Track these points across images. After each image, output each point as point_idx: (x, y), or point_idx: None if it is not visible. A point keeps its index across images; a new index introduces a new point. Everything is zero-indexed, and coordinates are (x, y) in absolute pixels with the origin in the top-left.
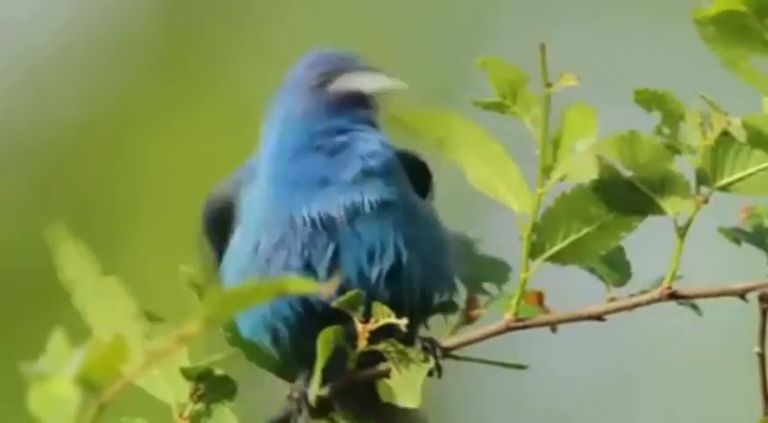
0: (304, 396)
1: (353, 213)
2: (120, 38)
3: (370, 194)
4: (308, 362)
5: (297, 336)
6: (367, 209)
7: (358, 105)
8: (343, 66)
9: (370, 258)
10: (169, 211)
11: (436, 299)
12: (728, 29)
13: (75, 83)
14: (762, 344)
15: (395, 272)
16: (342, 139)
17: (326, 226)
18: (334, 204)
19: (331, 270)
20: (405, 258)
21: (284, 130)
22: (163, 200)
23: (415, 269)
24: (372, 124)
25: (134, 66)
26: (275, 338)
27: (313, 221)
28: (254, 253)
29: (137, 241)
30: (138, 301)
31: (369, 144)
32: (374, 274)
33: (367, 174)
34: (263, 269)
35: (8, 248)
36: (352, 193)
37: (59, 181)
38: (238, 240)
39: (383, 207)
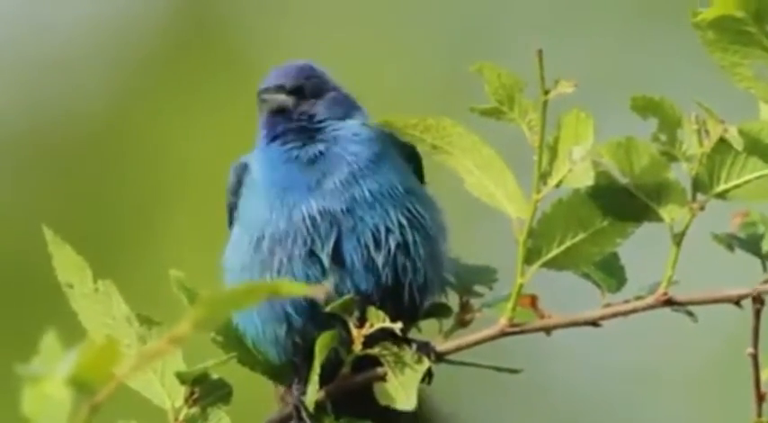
0: (300, 401)
1: (353, 203)
2: (142, 31)
3: (367, 184)
4: (306, 361)
5: (308, 326)
6: (368, 197)
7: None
8: (263, 87)
9: (376, 240)
10: (196, 201)
11: (435, 289)
12: (727, 34)
13: (99, 77)
14: (755, 345)
15: (401, 252)
16: (317, 147)
17: (328, 216)
18: (331, 201)
19: (335, 257)
20: (410, 238)
21: (260, 143)
22: (189, 191)
23: (421, 249)
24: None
25: (157, 60)
26: (288, 328)
27: (312, 217)
28: (257, 245)
29: (163, 232)
30: (138, 305)
31: (342, 134)
32: (381, 257)
33: (357, 165)
34: (266, 260)
35: (21, 246)
36: (348, 187)
37: (82, 175)
38: (239, 234)
39: (383, 191)
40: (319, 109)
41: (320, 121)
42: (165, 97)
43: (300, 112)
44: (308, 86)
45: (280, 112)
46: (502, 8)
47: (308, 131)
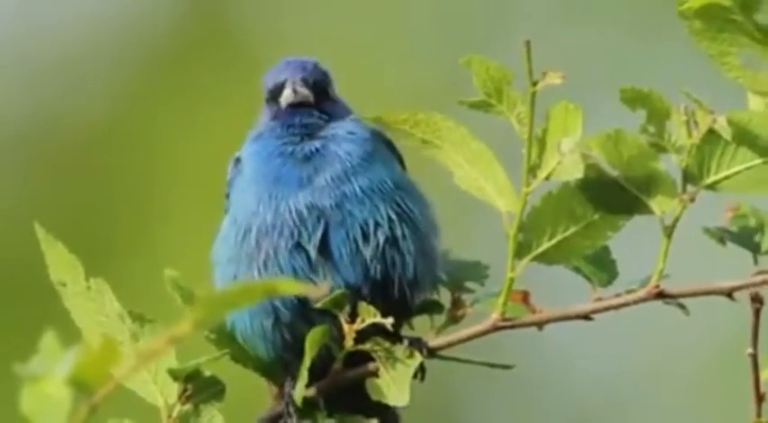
0: (289, 395)
1: (343, 199)
2: (142, 31)
3: (358, 181)
4: (297, 359)
5: (296, 321)
6: (358, 193)
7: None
8: (281, 80)
9: (364, 233)
10: (194, 200)
11: (426, 285)
12: (714, 22)
13: (99, 77)
14: (754, 345)
15: (390, 246)
16: (313, 144)
17: (315, 211)
18: (320, 197)
19: (322, 250)
20: (399, 232)
21: (257, 136)
22: (186, 190)
23: (410, 243)
24: (329, 113)
25: (157, 59)
26: (276, 322)
27: (299, 210)
28: (243, 237)
29: (158, 230)
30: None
31: (340, 133)
32: (369, 250)
33: (350, 164)
34: (252, 253)
35: (20, 245)
36: (339, 183)
37: (81, 175)
38: (227, 227)
39: (373, 187)
40: (334, 109)
41: (328, 120)
42: (163, 97)
43: (321, 109)
44: (323, 84)
45: (299, 106)
46: (497, 4)
47: (312, 128)
